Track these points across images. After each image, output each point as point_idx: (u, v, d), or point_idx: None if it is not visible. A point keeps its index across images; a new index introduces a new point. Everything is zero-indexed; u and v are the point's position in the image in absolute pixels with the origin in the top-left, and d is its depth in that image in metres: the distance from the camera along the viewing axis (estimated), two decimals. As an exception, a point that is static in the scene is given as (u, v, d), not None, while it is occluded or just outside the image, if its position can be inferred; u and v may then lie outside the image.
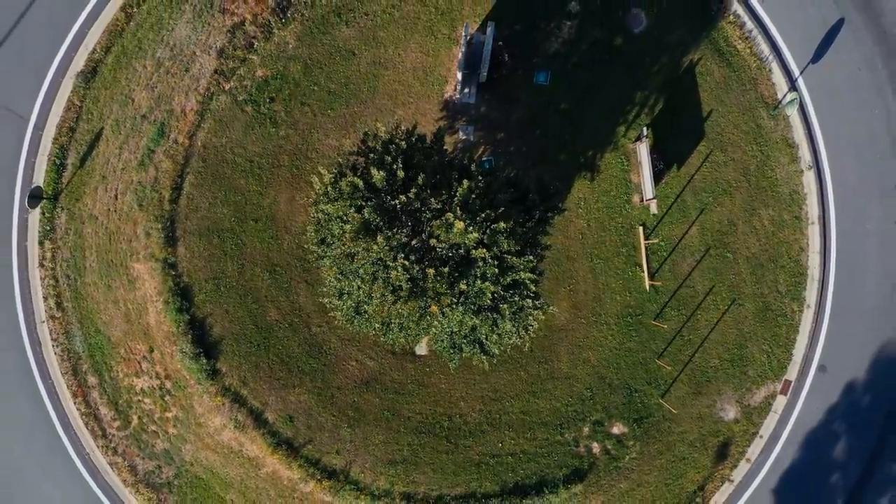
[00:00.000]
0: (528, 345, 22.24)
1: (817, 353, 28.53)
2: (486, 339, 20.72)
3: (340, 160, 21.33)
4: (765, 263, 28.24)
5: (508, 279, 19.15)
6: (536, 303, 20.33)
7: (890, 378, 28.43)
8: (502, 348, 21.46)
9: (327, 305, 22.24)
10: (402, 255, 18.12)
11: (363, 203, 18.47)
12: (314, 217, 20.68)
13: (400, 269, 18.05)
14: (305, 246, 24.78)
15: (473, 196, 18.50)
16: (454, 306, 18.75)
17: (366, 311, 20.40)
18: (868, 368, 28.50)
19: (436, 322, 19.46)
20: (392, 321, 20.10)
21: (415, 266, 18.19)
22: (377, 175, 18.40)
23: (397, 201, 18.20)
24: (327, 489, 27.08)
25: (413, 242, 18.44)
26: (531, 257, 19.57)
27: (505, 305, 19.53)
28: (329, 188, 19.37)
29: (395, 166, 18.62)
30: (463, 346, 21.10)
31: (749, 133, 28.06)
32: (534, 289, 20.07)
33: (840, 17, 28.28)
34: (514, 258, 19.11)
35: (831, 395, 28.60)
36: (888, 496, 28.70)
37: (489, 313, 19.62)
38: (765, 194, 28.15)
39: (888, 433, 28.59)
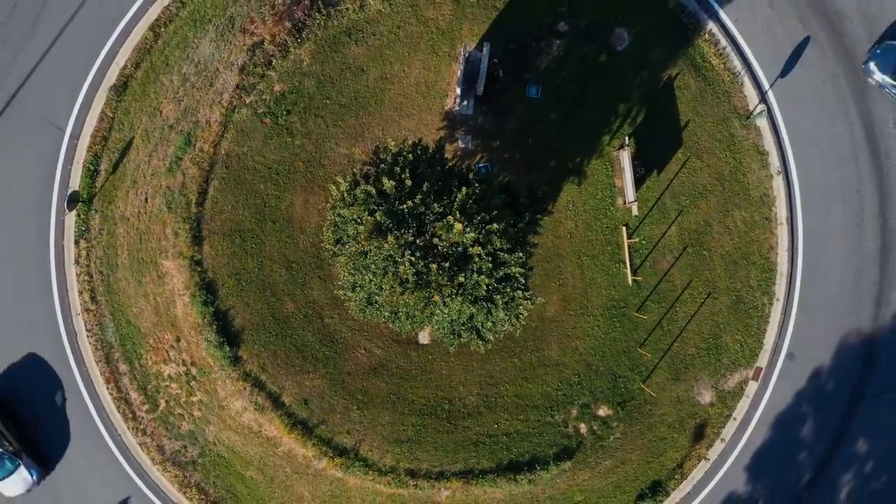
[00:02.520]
0: (518, 331, 25.66)
1: (786, 342, 31.95)
2: (482, 325, 24.15)
3: (355, 170, 24.74)
4: (738, 260, 31.64)
5: (501, 273, 22.58)
6: (526, 294, 23.83)
7: (853, 364, 31.86)
8: (496, 334, 24.92)
9: (342, 297, 25.70)
10: (409, 253, 21.53)
11: (375, 207, 21.88)
12: (331, 220, 24.13)
13: (407, 264, 21.48)
14: (321, 245, 28.15)
15: (470, 201, 21.97)
16: (454, 296, 22.17)
17: (377, 302, 23.81)
18: (832, 356, 31.93)
19: (438, 310, 22.83)
20: (400, 310, 23.50)
21: (420, 262, 21.59)
22: (388, 183, 21.85)
23: (405, 206, 21.63)
24: (339, 466, 30.43)
25: (418, 241, 21.84)
26: (521, 254, 23.01)
27: (498, 296, 22.96)
28: (345, 195, 22.84)
29: (403, 176, 22.08)
30: (462, 332, 24.54)
31: (723, 141, 31.46)
32: (523, 281, 23.53)
33: (806, 35, 31.70)
34: (506, 255, 22.54)
35: (799, 380, 32.03)
36: (851, 473, 32.14)
37: (484, 303, 23.02)
38: (737, 197, 31.55)
39: (851, 415, 32.03)
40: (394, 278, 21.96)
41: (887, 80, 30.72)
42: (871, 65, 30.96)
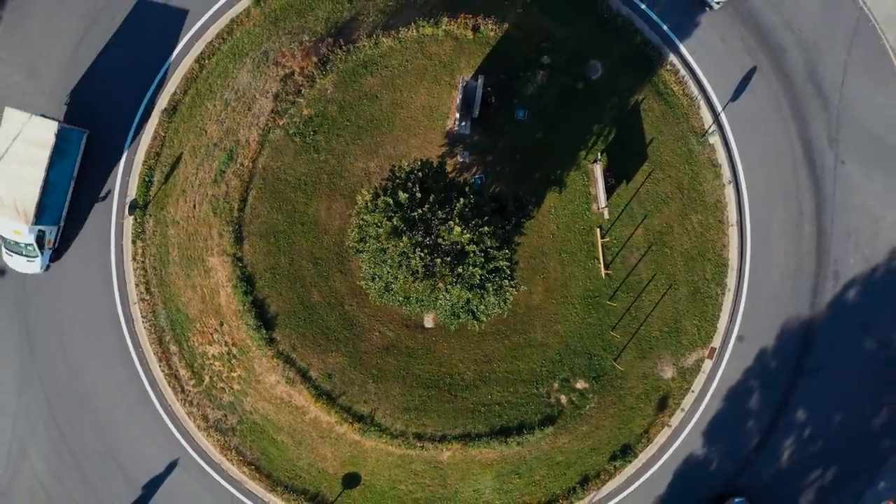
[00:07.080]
0: (507, 314, 32.44)
1: (736, 326, 38.64)
2: (477, 308, 30.87)
3: (376, 184, 31.60)
4: (695, 257, 38.37)
5: (491, 266, 29.29)
6: (512, 283, 30.65)
7: (793, 345, 38.55)
8: (488, 316, 31.63)
9: (363, 286, 32.50)
10: (419, 250, 28.25)
11: (392, 214, 28.62)
12: (356, 223, 30.91)
13: (417, 259, 28.25)
14: (344, 244, 34.90)
15: (466, 209, 28.82)
16: (454, 284, 28.89)
17: (392, 289, 30.55)
18: (776, 338, 38.65)
19: (441, 296, 29.57)
20: (411, 296, 30.20)
21: (427, 257, 28.33)
22: (402, 195, 28.64)
23: (416, 213, 28.41)
24: (357, 430, 36.80)
25: (426, 241, 28.58)
26: (507, 251, 29.78)
27: (489, 284, 29.68)
28: (368, 203, 29.64)
29: (414, 189, 28.89)
30: (460, 314, 31.25)
31: (682, 156, 38.24)
32: (510, 273, 30.32)
33: (753, 65, 38.53)
34: (495, 251, 29.19)
35: (747, 359, 38.71)
36: (792, 438, 38.86)
37: (478, 289, 29.65)
38: (695, 203, 38.29)
39: (792, 389, 38.76)
40: (407, 270, 28.72)
41: None
42: None
